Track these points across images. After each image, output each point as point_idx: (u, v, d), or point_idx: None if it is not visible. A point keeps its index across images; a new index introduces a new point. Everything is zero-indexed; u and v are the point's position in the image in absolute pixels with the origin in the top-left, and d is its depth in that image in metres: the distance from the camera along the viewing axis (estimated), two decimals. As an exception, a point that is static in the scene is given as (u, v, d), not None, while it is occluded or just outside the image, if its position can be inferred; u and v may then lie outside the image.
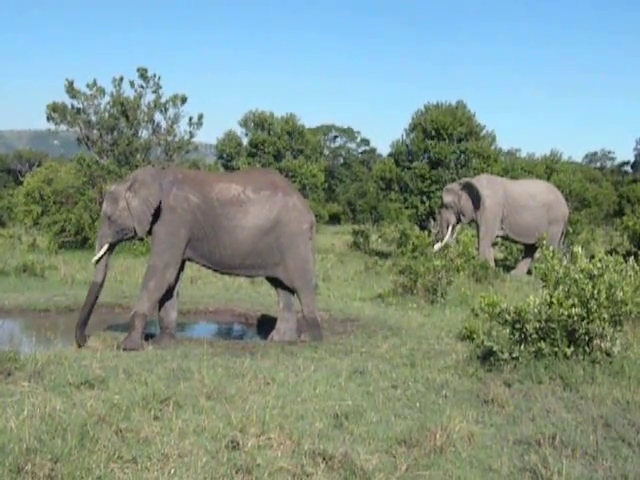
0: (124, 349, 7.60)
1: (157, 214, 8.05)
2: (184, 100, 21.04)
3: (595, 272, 6.81)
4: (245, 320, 10.45)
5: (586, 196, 26.98)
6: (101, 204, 8.29)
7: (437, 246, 16.44)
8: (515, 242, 17.65)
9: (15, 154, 59.60)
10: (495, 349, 6.62)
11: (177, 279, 8.28)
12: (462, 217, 16.82)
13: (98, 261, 8.19)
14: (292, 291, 8.70)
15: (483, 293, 9.88)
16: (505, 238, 17.46)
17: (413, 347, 7.84)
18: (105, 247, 8.15)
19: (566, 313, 6.48)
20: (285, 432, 4.64)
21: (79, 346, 7.76)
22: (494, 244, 17.80)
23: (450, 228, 16.95)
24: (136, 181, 8.15)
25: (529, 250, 16.85)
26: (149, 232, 8.18)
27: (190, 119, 21.26)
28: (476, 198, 16.40)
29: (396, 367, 6.85)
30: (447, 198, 16.96)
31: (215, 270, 8.67)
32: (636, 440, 4.82)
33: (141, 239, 8.40)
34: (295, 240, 8.49)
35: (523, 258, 17.16)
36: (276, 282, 8.79)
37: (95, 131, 20.60)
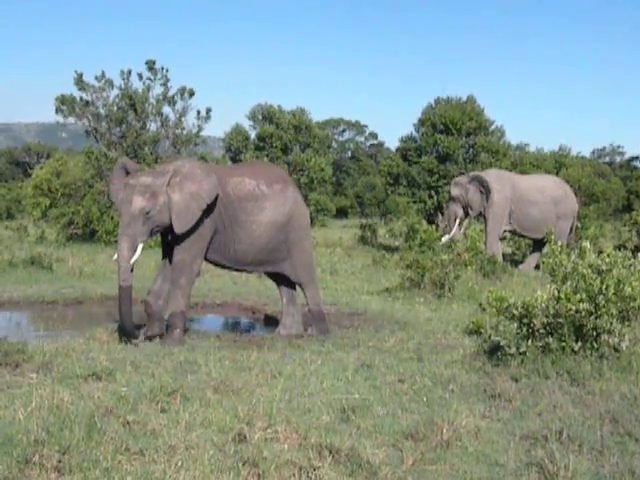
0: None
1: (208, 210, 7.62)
2: (192, 93, 21.02)
3: (603, 267, 6.78)
4: (252, 313, 10.44)
5: (595, 191, 26.82)
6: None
7: (445, 239, 16.49)
8: (523, 237, 17.59)
9: (24, 147, 59.89)
10: (502, 344, 6.60)
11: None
12: (470, 210, 16.72)
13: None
14: (294, 285, 8.66)
15: (491, 288, 9.86)
16: (513, 233, 17.41)
17: (420, 341, 7.83)
18: (140, 247, 7.46)
19: (574, 308, 6.45)
20: (292, 425, 4.65)
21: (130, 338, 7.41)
22: (502, 239, 17.74)
23: (457, 221, 16.89)
24: (179, 174, 7.63)
25: (537, 245, 16.80)
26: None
27: (198, 112, 21.24)
28: (486, 191, 16.30)
29: (403, 361, 6.85)
30: (455, 191, 16.89)
31: (224, 266, 8.47)
32: (643, 436, 4.81)
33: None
34: (303, 234, 8.45)
35: (531, 253, 17.11)
36: (278, 277, 8.70)
37: (103, 124, 20.61)
